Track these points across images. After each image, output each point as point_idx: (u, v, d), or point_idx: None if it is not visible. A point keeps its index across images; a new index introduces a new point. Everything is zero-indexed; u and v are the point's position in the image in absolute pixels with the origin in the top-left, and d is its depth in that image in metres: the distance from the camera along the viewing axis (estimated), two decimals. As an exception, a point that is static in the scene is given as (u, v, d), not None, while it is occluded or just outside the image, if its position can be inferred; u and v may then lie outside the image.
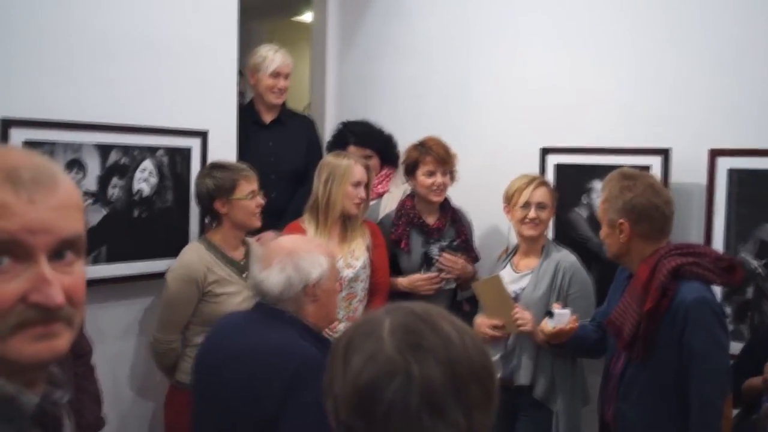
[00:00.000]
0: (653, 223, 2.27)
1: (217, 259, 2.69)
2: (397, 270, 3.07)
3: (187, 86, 2.96)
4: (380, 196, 3.42)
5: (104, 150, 2.68)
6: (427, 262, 3.02)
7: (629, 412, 2.29)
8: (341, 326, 2.71)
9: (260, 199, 2.75)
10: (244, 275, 2.72)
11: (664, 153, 2.81)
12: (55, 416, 0.91)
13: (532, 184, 2.79)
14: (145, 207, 2.82)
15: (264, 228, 2.89)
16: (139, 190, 2.80)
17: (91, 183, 2.65)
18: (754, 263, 2.63)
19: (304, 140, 3.57)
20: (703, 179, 2.74)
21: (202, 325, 2.62)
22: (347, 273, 2.84)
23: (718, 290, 2.53)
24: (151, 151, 2.83)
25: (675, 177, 2.81)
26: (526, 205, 2.76)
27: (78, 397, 2.20)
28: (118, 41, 2.73)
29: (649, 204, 2.27)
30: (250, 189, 2.71)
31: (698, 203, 2.77)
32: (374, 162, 3.42)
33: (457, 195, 3.21)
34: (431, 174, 3.02)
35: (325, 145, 3.62)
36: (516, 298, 2.75)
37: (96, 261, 2.66)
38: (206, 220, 2.91)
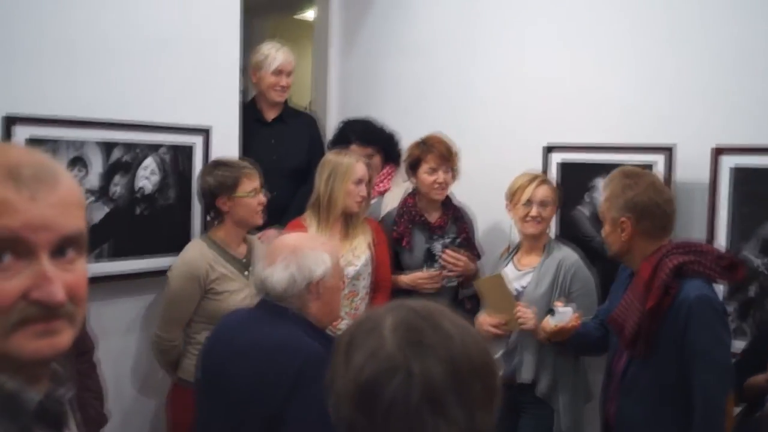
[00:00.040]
0: (655, 222, 2.27)
1: (220, 256, 2.69)
2: (398, 267, 3.08)
3: (190, 83, 2.96)
4: (382, 194, 3.42)
5: (107, 147, 2.68)
6: (430, 259, 3.02)
7: (631, 410, 2.29)
8: (343, 323, 2.71)
9: (262, 197, 2.75)
10: (246, 272, 2.72)
11: (668, 151, 2.81)
12: (58, 413, 0.91)
13: (535, 181, 2.79)
14: (147, 204, 2.83)
15: (266, 225, 2.90)
16: (141, 188, 2.80)
17: (93, 180, 2.65)
18: (757, 261, 2.63)
19: (306, 138, 3.57)
20: (706, 177, 2.73)
21: (205, 322, 2.63)
22: (349, 270, 2.84)
23: (720, 288, 2.53)
24: (154, 148, 2.83)
25: (678, 175, 2.81)
26: (528, 202, 2.76)
27: (80, 394, 2.19)
28: (122, 39, 2.73)
29: (650, 202, 2.26)
30: (252, 186, 2.72)
31: (701, 201, 2.76)
32: (376, 160, 3.42)
33: (461, 193, 3.22)
34: (433, 171, 3.02)
35: (326, 143, 3.62)
36: (518, 296, 2.76)
37: (99, 258, 2.66)
38: (208, 218, 2.92)
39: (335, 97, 4.10)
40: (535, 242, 2.83)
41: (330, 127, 3.85)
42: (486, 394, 1.00)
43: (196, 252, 2.69)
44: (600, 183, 2.79)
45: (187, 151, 2.94)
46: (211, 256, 2.67)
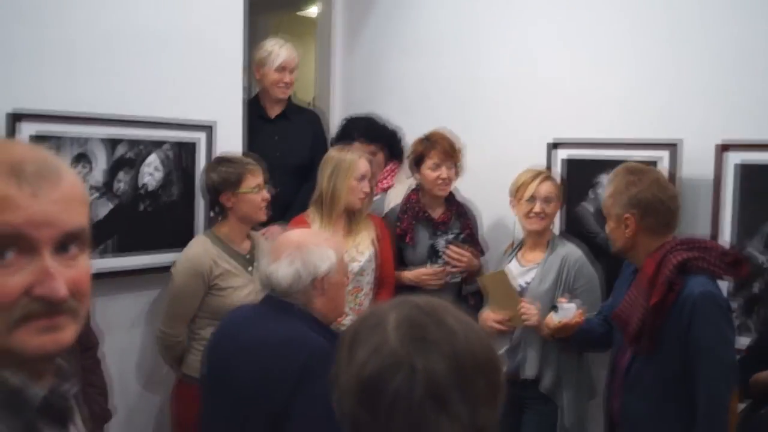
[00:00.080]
0: (659, 218, 2.27)
1: (223, 252, 2.70)
2: (401, 264, 3.08)
3: (194, 80, 2.97)
4: (385, 191, 3.42)
5: (111, 144, 2.69)
6: (434, 255, 3.02)
7: (635, 406, 2.29)
8: (348, 319, 2.72)
9: (266, 193, 2.75)
10: (249, 268, 2.73)
11: (673, 147, 2.80)
12: (63, 408, 0.92)
13: (538, 178, 2.79)
14: (151, 200, 2.83)
15: (269, 222, 2.90)
16: (145, 184, 2.81)
17: (98, 176, 2.66)
18: (762, 258, 2.62)
19: (309, 134, 3.56)
20: (711, 173, 2.73)
21: (208, 318, 2.63)
22: (353, 266, 2.84)
23: (724, 285, 2.52)
24: (158, 144, 2.83)
25: (683, 171, 2.80)
26: (532, 198, 2.76)
27: (85, 389, 2.21)
28: (125, 35, 2.74)
29: (654, 199, 2.26)
30: (256, 182, 2.72)
31: (706, 197, 2.76)
32: (380, 157, 3.42)
33: (466, 189, 3.22)
34: (437, 167, 3.02)
35: (330, 140, 3.62)
36: (522, 292, 2.75)
37: (103, 254, 2.67)
38: (211, 214, 2.92)
39: (338, 93, 4.10)
40: (539, 238, 2.83)
41: (333, 124, 3.85)
42: (490, 390, 1.00)
43: (200, 248, 2.69)
44: (605, 179, 2.79)
45: (190, 148, 2.94)
46: (215, 252, 2.68)
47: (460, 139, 3.10)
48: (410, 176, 3.24)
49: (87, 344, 2.32)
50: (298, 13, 5.42)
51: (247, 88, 3.61)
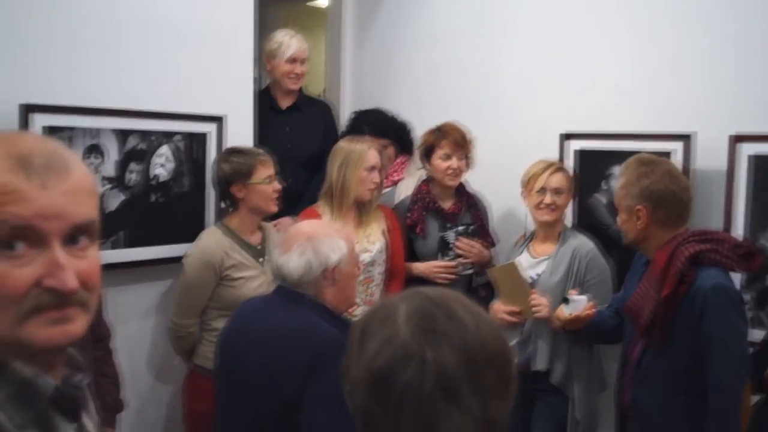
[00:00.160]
0: (671, 210, 2.25)
1: (235, 243, 2.70)
2: (412, 255, 3.07)
3: (204, 71, 2.97)
4: (395, 183, 3.42)
5: (122, 135, 2.69)
6: (444, 247, 3.01)
7: (646, 399, 2.28)
8: (359, 310, 2.72)
9: (277, 184, 2.75)
10: (261, 260, 2.73)
11: (686, 138, 2.78)
12: (75, 398, 0.92)
13: (549, 169, 2.78)
14: (162, 192, 2.84)
15: (280, 213, 2.90)
16: (156, 175, 2.81)
17: (110, 168, 2.67)
18: (775, 250, 2.60)
19: (321, 126, 3.56)
20: (724, 165, 2.70)
21: (220, 309, 2.64)
22: (365, 257, 2.84)
23: (737, 277, 2.51)
24: (169, 136, 2.84)
25: (696, 163, 2.78)
26: (542, 190, 2.75)
27: (97, 380, 2.22)
28: (136, 27, 2.74)
29: (666, 190, 2.24)
30: (267, 174, 2.72)
31: (719, 189, 2.73)
32: (390, 151, 3.41)
33: (478, 181, 3.21)
34: (447, 157, 3.01)
35: (340, 134, 3.61)
36: (533, 284, 2.75)
37: (115, 245, 2.68)
38: (222, 205, 2.93)
39: (349, 85, 4.09)
40: (550, 230, 2.82)
41: (344, 116, 3.84)
42: (501, 383, 0.99)
43: (212, 239, 2.69)
44: (617, 171, 2.77)
45: (201, 139, 2.95)
46: (226, 244, 2.68)
47: (472, 131, 3.09)
48: (420, 168, 3.23)
49: (99, 335, 2.33)
50: (308, 4, 5.40)
51: (257, 80, 3.60)
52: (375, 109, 3.55)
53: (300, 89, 3.55)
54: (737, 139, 2.66)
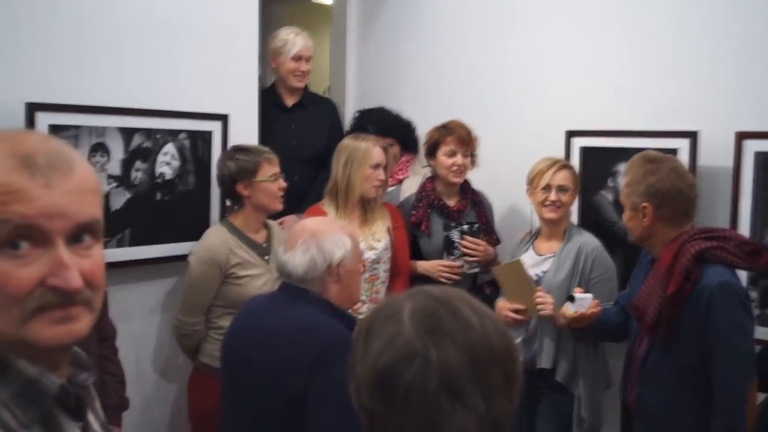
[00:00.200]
0: (676, 207, 2.25)
1: (240, 241, 2.70)
2: (416, 253, 3.07)
3: (209, 70, 2.97)
4: (400, 182, 3.41)
5: (127, 134, 2.70)
6: (449, 246, 3.01)
7: (651, 397, 2.27)
8: (365, 307, 2.73)
9: (282, 182, 2.75)
10: (266, 258, 2.73)
11: (692, 136, 2.77)
12: (80, 398, 0.92)
13: (554, 166, 2.77)
14: (167, 190, 2.84)
15: (285, 211, 2.90)
16: (161, 174, 2.82)
17: (115, 166, 2.67)
18: (781, 247, 2.59)
19: (326, 123, 3.56)
20: (730, 162, 2.69)
21: (225, 307, 2.65)
22: (369, 255, 2.84)
23: (743, 275, 2.50)
24: (174, 134, 2.84)
25: (702, 160, 2.77)
26: (547, 187, 2.74)
27: (102, 378, 2.23)
28: (140, 25, 2.74)
29: (672, 187, 2.24)
30: (272, 171, 2.72)
31: (725, 187, 2.73)
32: (395, 150, 3.41)
33: (483, 178, 3.20)
34: (452, 154, 3.01)
35: (344, 133, 3.61)
36: (537, 282, 2.74)
37: (120, 243, 2.69)
38: (227, 203, 2.93)
39: (353, 82, 4.09)
40: (554, 228, 2.81)
41: (348, 113, 3.84)
42: (506, 381, 0.99)
43: (217, 237, 2.70)
44: (623, 168, 2.76)
45: (205, 138, 2.95)
46: (231, 242, 2.68)
47: (477, 129, 3.08)
48: (425, 166, 3.22)
49: (104, 334, 2.34)
50: (313, 1, 5.40)
51: (262, 78, 3.61)
52: (379, 108, 3.54)
53: (305, 87, 3.55)
54: (742, 135, 2.65)
